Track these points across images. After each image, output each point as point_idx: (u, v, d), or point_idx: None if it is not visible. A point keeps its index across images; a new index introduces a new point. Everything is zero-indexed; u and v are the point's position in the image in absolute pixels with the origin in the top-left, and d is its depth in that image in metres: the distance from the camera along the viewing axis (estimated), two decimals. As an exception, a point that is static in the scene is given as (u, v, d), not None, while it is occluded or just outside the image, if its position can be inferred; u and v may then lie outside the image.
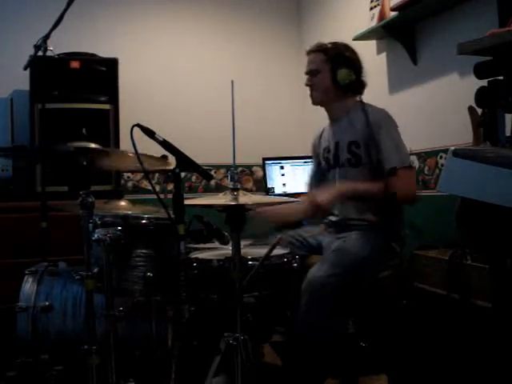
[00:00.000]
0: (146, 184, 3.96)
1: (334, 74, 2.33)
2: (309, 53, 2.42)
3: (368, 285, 2.24)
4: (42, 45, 2.38)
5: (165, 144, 1.64)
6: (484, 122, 2.04)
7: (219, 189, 4.05)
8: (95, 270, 1.68)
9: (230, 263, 1.79)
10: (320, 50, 2.38)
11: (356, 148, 2.31)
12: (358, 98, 2.37)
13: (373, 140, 2.24)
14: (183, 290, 1.61)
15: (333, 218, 2.44)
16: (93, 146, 1.81)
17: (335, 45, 2.37)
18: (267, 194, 3.70)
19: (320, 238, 2.41)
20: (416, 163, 3.08)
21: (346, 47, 2.38)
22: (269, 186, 3.78)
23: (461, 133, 2.34)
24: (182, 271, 1.61)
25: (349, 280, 2.11)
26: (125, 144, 3.25)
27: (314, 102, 2.45)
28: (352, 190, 2.26)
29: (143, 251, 1.85)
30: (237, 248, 1.71)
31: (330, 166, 2.45)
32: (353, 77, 2.32)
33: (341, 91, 2.35)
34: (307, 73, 2.43)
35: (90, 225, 1.71)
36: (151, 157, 1.87)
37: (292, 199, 2.46)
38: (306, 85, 2.44)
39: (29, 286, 2.01)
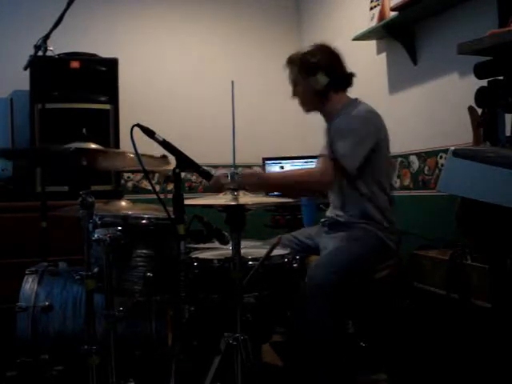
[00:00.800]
0: (145, 184, 3.96)
1: (307, 83, 2.34)
2: (286, 65, 2.43)
3: (367, 284, 2.24)
4: (42, 45, 2.37)
5: (165, 144, 1.64)
6: (484, 121, 2.04)
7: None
8: (95, 269, 1.67)
9: (230, 263, 1.79)
10: (291, 62, 2.40)
11: None
12: (347, 93, 2.38)
13: None
14: (183, 290, 1.62)
15: (327, 217, 2.45)
16: (93, 146, 1.81)
17: (305, 53, 2.36)
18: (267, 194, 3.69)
19: (317, 239, 2.42)
20: (416, 163, 3.08)
21: (316, 51, 2.36)
22: (269, 185, 3.78)
23: (461, 133, 2.34)
24: (182, 271, 1.61)
25: (347, 279, 2.12)
26: (125, 144, 3.25)
27: (305, 111, 2.49)
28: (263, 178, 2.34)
29: (143, 251, 1.85)
30: (237, 248, 1.72)
31: None
32: (324, 80, 2.31)
33: (322, 96, 2.36)
34: (291, 84, 2.45)
35: (90, 225, 1.71)
36: (151, 157, 1.86)
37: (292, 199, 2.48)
38: (292, 97, 2.45)
39: (29, 285, 2.01)
